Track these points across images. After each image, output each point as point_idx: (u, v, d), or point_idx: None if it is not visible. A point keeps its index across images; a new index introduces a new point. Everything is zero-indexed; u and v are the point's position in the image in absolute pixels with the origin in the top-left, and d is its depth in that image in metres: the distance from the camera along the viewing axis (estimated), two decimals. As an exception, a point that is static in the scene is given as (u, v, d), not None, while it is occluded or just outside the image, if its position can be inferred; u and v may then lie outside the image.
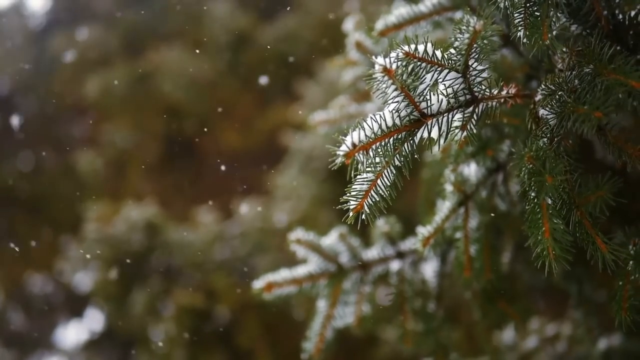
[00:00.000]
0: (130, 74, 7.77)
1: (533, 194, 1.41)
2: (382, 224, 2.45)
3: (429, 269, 2.50)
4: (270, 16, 8.18)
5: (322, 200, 5.53)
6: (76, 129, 9.53)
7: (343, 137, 1.39)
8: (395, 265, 2.44)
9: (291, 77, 7.04)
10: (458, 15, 2.00)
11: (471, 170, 2.12)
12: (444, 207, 2.09)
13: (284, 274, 2.33)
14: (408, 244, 2.46)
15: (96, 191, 7.79)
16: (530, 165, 1.41)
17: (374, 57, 1.40)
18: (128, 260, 5.65)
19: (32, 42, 9.23)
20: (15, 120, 9.03)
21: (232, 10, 8.13)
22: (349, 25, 2.65)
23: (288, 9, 8.23)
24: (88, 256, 5.76)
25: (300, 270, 2.34)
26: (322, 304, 2.36)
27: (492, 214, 2.16)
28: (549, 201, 1.40)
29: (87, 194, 7.71)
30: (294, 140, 6.05)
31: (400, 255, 2.45)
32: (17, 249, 7.90)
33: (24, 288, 8.80)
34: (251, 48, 7.86)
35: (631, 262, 1.53)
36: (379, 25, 2.02)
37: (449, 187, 2.10)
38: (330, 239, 2.38)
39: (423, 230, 2.06)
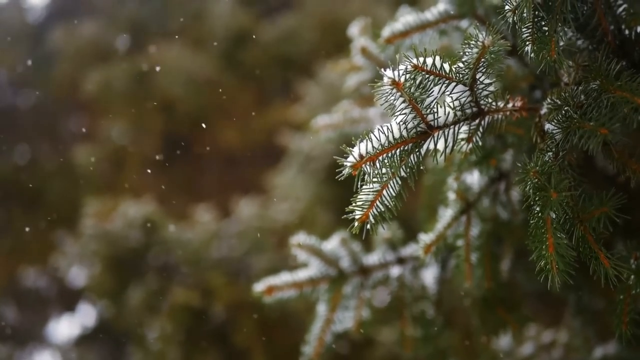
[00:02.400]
0: (129, 70, 7.75)
1: (537, 209, 1.42)
2: (383, 230, 2.46)
3: (429, 275, 2.51)
4: (271, 15, 8.17)
5: (320, 200, 5.54)
6: (74, 124, 9.52)
7: (350, 149, 1.40)
8: (395, 271, 2.45)
9: (291, 76, 7.04)
10: (464, 23, 2.01)
11: (474, 178, 2.13)
12: (446, 214, 2.11)
13: (284, 277, 2.34)
14: (409, 249, 2.47)
15: (94, 187, 7.78)
16: (536, 180, 1.42)
17: (382, 69, 1.41)
18: (124, 257, 5.65)
19: (31, 36, 9.20)
20: (12, 114, 9.01)
21: (232, 8, 8.12)
22: (354, 30, 2.65)
23: (289, 7, 8.23)
24: (84, 252, 5.75)
25: (301, 274, 2.35)
26: (322, 308, 2.36)
27: (494, 223, 2.18)
28: (553, 216, 1.41)
29: (84, 189, 7.69)
30: (293, 140, 6.05)
31: (400, 261, 2.46)
32: (11, 242, 7.88)
33: (17, 282, 8.79)
34: (251, 46, 7.85)
35: (632, 277, 1.55)
36: (386, 32, 2.02)
37: (451, 195, 2.11)
38: (332, 244, 2.39)
39: (425, 238, 2.07)
